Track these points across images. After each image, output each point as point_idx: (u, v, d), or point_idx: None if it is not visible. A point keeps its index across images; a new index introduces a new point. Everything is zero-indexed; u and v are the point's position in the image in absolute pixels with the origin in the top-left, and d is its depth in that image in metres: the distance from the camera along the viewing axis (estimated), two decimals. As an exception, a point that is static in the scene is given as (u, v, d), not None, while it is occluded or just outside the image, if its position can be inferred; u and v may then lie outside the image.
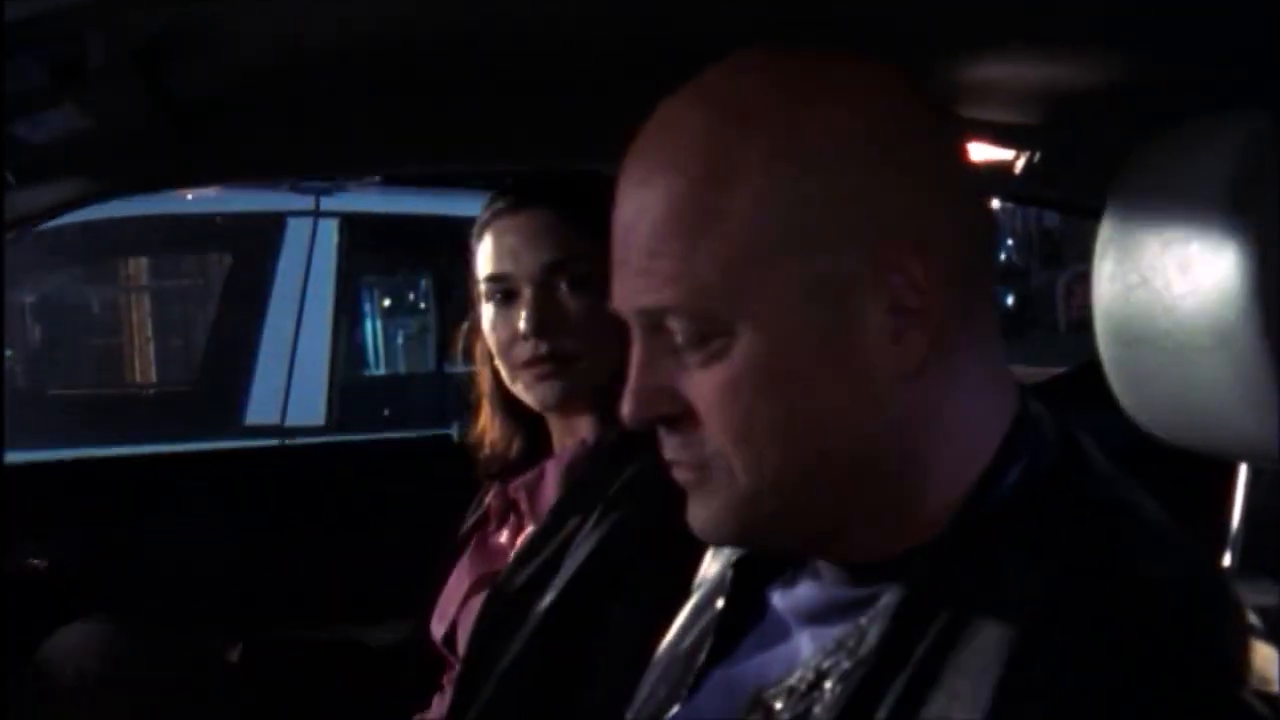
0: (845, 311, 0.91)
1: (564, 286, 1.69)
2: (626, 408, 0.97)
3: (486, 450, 1.84)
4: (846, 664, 0.92)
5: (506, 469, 1.83)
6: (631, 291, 0.95)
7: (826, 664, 0.94)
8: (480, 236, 1.75)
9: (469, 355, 1.85)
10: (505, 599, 1.66)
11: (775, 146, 0.91)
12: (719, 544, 1.01)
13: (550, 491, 1.74)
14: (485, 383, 1.83)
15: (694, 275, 0.92)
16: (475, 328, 1.81)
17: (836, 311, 0.91)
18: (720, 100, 0.93)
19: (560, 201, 1.72)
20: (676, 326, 0.93)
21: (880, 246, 0.90)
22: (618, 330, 1.68)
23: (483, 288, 1.74)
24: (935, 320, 0.91)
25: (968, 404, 0.95)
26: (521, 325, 1.68)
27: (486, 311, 1.74)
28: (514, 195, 1.73)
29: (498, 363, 1.76)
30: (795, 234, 0.90)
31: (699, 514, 0.97)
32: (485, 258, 1.73)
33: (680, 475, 0.97)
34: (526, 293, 1.69)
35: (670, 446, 0.96)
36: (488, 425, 1.84)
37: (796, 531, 0.96)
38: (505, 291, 1.71)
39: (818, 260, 0.90)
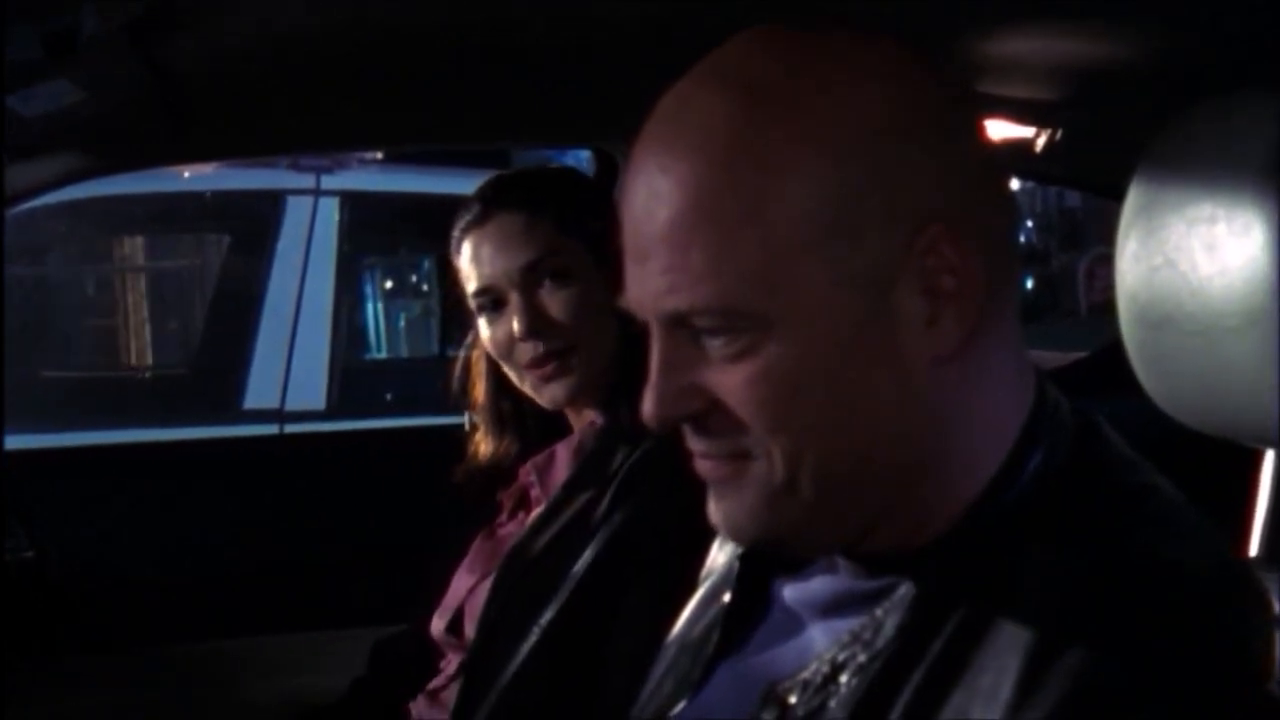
0: (881, 299, 0.88)
1: (547, 283, 1.75)
2: (650, 408, 0.92)
3: (480, 462, 1.91)
4: (862, 657, 0.91)
5: (500, 473, 1.89)
6: (655, 292, 0.90)
7: (842, 657, 0.92)
8: (457, 251, 1.80)
9: (465, 386, 1.92)
10: (518, 570, 1.70)
11: (807, 132, 0.87)
12: (746, 542, 0.98)
13: (561, 472, 1.78)
14: (482, 394, 1.90)
15: (727, 271, 0.87)
16: (476, 341, 1.86)
17: (872, 300, 0.88)
18: (741, 83, 0.89)
19: (524, 203, 1.77)
20: (703, 323, 0.90)
21: (915, 230, 0.88)
22: (609, 311, 1.73)
23: (472, 303, 1.80)
24: (971, 301, 0.89)
25: (992, 391, 0.93)
26: (515, 329, 1.73)
27: (481, 324, 1.80)
28: (479, 205, 1.79)
29: (504, 368, 1.80)
30: (832, 223, 0.87)
31: (730, 509, 0.93)
32: (467, 273, 1.79)
33: (710, 470, 0.94)
34: (513, 297, 1.75)
35: (699, 441, 0.93)
36: (482, 440, 1.91)
37: (830, 525, 0.93)
38: (494, 301, 1.77)
39: (854, 249, 0.87)
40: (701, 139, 0.88)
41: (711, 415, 0.91)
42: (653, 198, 0.89)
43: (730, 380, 0.89)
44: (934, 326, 0.89)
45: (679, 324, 0.90)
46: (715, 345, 0.89)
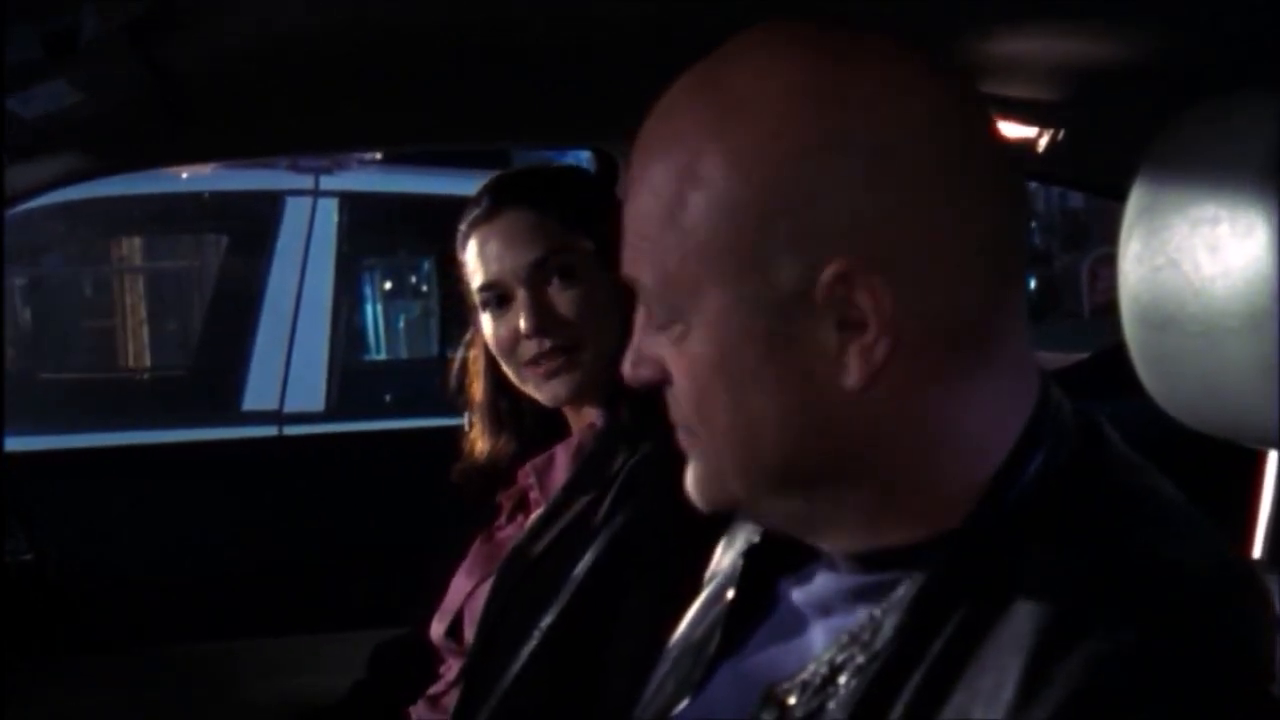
0: (788, 324, 0.90)
1: (555, 280, 1.74)
2: (624, 364, 0.99)
3: (477, 460, 1.90)
4: (861, 658, 0.90)
5: (498, 475, 1.88)
6: (625, 258, 0.97)
7: (841, 658, 0.92)
8: (464, 246, 1.80)
9: (463, 385, 1.91)
10: (518, 573, 1.70)
11: (733, 150, 0.90)
12: (707, 508, 1.02)
13: (560, 474, 1.78)
14: (479, 393, 1.89)
15: (656, 264, 0.94)
16: (474, 340, 1.87)
17: (779, 323, 0.90)
18: (708, 93, 0.92)
19: (534, 199, 1.77)
20: (647, 299, 0.96)
21: (827, 262, 0.88)
22: (614, 311, 1.72)
23: (477, 298, 1.79)
24: (893, 336, 0.89)
25: (980, 400, 0.92)
26: (521, 325, 1.73)
27: (485, 319, 1.79)
28: (488, 200, 1.79)
29: (504, 366, 1.80)
30: (736, 244, 0.90)
31: (692, 474, 0.99)
32: (474, 268, 1.79)
33: (679, 436, 0.99)
34: (520, 294, 1.75)
35: (671, 406, 0.98)
36: (479, 437, 1.90)
37: (769, 516, 0.98)
38: (499, 297, 1.77)
39: (759, 272, 0.90)
40: (665, 142, 0.93)
41: (668, 389, 0.96)
42: (630, 184, 0.95)
43: (674, 364, 0.95)
44: (846, 358, 0.90)
45: (639, 291, 0.96)
46: (661, 326, 0.95)
